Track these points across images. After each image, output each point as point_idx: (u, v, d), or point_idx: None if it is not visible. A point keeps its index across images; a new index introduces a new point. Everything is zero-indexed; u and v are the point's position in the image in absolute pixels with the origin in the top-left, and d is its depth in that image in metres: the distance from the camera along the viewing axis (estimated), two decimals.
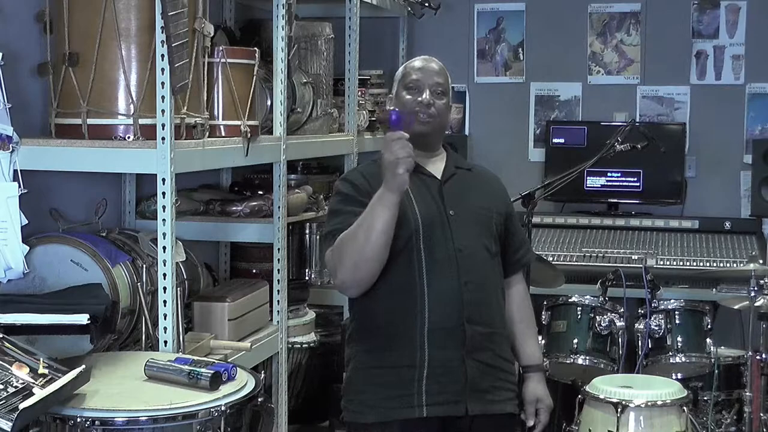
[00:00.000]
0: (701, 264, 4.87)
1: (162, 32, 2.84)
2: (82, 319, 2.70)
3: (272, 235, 3.79)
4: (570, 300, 4.36)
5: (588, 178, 5.30)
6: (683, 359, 4.24)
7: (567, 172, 4.39)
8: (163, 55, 2.86)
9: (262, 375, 2.76)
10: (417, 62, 3.06)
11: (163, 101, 2.87)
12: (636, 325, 4.33)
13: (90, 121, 2.96)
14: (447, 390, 2.85)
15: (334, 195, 2.98)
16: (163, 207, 2.89)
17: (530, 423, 3.05)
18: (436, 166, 3.00)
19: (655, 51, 5.48)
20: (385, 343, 2.86)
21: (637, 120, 5.29)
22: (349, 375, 2.96)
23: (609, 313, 4.29)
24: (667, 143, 5.00)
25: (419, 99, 2.93)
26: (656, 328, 4.27)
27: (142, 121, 2.94)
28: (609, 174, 5.33)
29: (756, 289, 3.98)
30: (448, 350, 2.85)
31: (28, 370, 2.35)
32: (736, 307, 4.12)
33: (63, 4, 2.98)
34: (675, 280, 4.88)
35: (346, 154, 4.66)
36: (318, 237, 4.77)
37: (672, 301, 4.37)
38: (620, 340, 4.26)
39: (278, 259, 3.79)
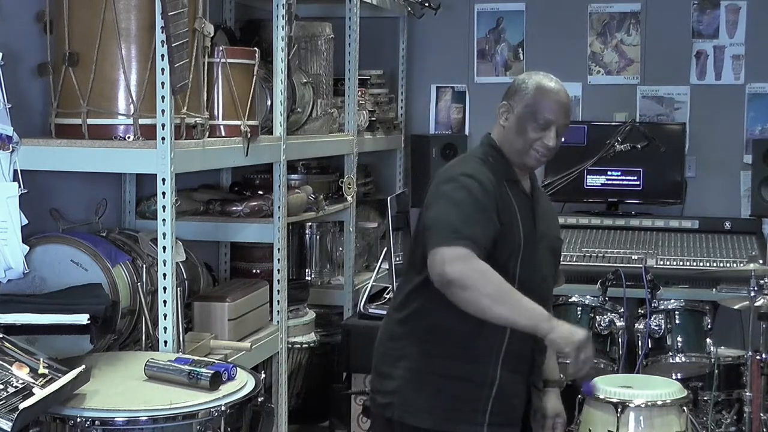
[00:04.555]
0: (701, 264, 4.87)
1: (162, 32, 2.84)
2: (82, 319, 2.70)
3: (272, 235, 3.78)
4: (570, 300, 4.36)
5: (588, 176, 5.29)
6: (683, 359, 4.25)
7: (567, 171, 4.39)
8: (163, 55, 2.86)
9: (262, 375, 2.76)
10: (550, 90, 2.84)
11: (163, 101, 2.87)
12: (636, 325, 4.33)
13: (90, 121, 2.96)
14: (510, 413, 2.83)
15: (461, 188, 2.74)
16: (163, 207, 2.89)
17: None
18: (527, 183, 2.95)
19: (655, 51, 5.48)
20: (460, 354, 2.79)
21: (637, 120, 5.29)
22: (405, 374, 2.82)
23: (609, 313, 4.29)
24: (667, 143, 5.00)
25: (546, 142, 2.81)
26: (656, 328, 4.27)
27: (142, 121, 2.94)
28: (609, 172, 5.32)
29: (756, 289, 3.98)
30: (517, 375, 2.83)
31: (28, 370, 2.35)
32: (736, 307, 4.12)
33: (63, 4, 2.98)
34: (675, 280, 4.88)
35: (346, 154, 4.66)
36: (318, 237, 4.78)
37: (672, 301, 4.37)
38: (620, 340, 4.26)
39: (278, 259, 3.79)
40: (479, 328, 2.75)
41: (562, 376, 3.14)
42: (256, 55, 3.48)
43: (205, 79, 3.22)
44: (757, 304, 3.97)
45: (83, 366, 2.46)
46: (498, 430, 2.81)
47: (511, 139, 2.87)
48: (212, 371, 2.58)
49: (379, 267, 4.44)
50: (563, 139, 2.90)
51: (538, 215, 2.91)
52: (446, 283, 2.62)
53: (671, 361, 4.25)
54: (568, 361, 2.59)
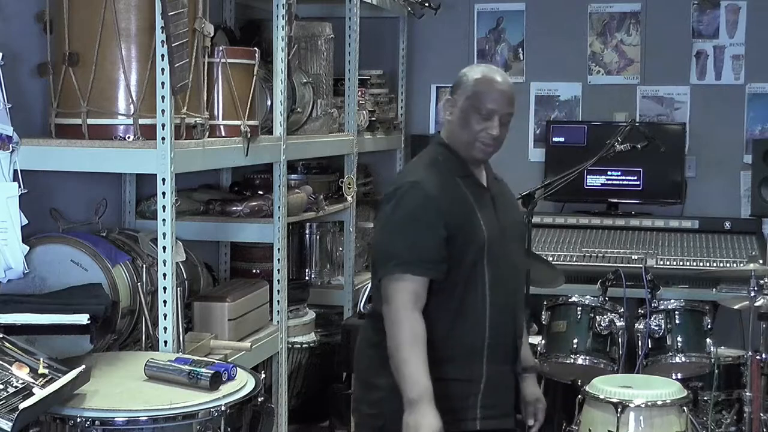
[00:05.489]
0: (701, 264, 4.87)
1: (162, 32, 2.84)
2: (82, 319, 2.70)
3: (272, 235, 3.78)
4: (570, 300, 4.35)
5: (588, 176, 5.29)
6: (683, 359, 4.24)
7: (567, 171, 4.39)
8: (163, 55, 2.86)
9: (262, 375, 2.75)
10: (490, 80, 2.86)
11: (163, 101, 2.87)
12: (636, 325, 4.32)
13: (90, 121, 2.96)
14: (500, 403, 2.84)
15: (400, 207, 2.77)
16: (163, 207, 2.89)
17: (531, 422, 3.06)
18: (482, 175, 2.95)
19: (655, 51, 5.48)
20: (443, 356, 2.78)
21: (637, 120, 5.29)
22: (391, 382, 2.77)
23: (609, 313, 4.29)
24: (667, 143, 4.99)
25: (490, 132, 2.82)
26: (656, 328, 4.26)
27: (142, 121, 2.94)
28: (609, 172, 5.33)
29: (756, 289, 3.97)
30: (503, 365, 2.85)
31: (28, 370, 2.35)
32: (736, 307, 4.12)
33: (63, 4, 2.98)
34: (675, 280, 4.88)
35: (346, 154, 4.66)
36: (318, 237, 4.78)
37: (672, 301, 4.37)
38: (620, 340, 4.26)
39: (278, 259, 3.79)
40: (458, 327, 2.77)
41: (536, 361, 3.13)
42: (256, 55, 3.48)
43: (205, 79, 3.22)
44: (757, 304, 3.96)
45: (83, 366, 2.46)
46: (492, 423, 2.83)
47: (457, 132, 2.88)
48: (212, 371, 2.58)
49: None
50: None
51: (498, 204, 2.92)
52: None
53: (671, 361, 4.24)
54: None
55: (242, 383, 2.62)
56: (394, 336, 2.69)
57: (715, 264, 4.87)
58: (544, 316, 4.34)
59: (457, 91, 2.88)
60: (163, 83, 2.87)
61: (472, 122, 2.83)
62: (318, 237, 4.78)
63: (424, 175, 2.83)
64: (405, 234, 2.74)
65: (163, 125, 2.86)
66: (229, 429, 2.47)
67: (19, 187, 2.75)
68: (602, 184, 5.35)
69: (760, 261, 4.33)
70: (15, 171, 2.78)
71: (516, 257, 2.93)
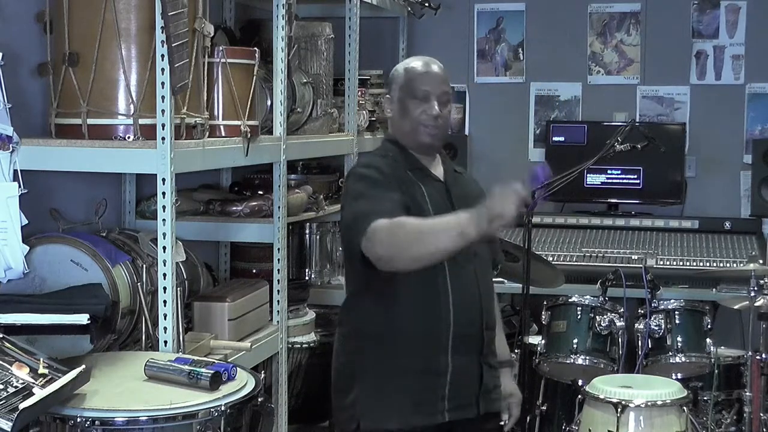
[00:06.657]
0: (701, 264, 4.87)
1: (162, 32, 2.84)
2: (82, 319, 2.70)
3: (272, 235, 3.78)
4: (570, 300, 4.36)
5: (588, 175, 5.30)
6: (683, 359, 4.25)
7: (567, 171, 4.39)
8: (163, 55, 2.86)
9: (262, 375, 2.76)
10: (419, 66, 2.97)
11: (163, 101, 2.87)
12: (636, 325, 4.33)
13: (90, 121, 2.95)
14: (465, 394, 2.86)
15: (358, 180, 2.85)
16: (163, 207, 2.89)
17: (506, 417, 3.08)
18: (438, 169, 3.00)
19: (655, 51, 5.48)
20: (409, 350, 2.82)
21: (637, 120, 5.29)
22: (361, 384, 2.89)
23: (609, 313, 4.29)
24: (667, 143, 5.00)
25: (429, 113, 2.89)
26: (656, 328, 4.27)
27: (142, 121, 2.93)
28: (609, 172, 5.33)
29: (756, 289, 3.98)
30: (469, 356, 2.87)
31: (28, 370, 2.35)
32: (736, 307, 4.13)
33: (63, 4, 2.98)
34: (675, 280, 4.88)
35: (346, 154, 4.66)
36: (318, 237, 4.78)
37: (672, 301, 4.37)
38: (620, 340, 4.26)
39: (278, 259, 3.79)
40: (420, 320, 2.80)
41: (512, 356, 3.15)
42: (256, 55, 3.48)
43: (205, 79, 3.22)
44: (757, 304, 3.97)
45: (83, 366, 2.46)
46: (457, 414, 2.86)
47: (400, 124, 2.95)
48: (212, 371, 2.58)
49: None
50: (457, 113, 2.98)
51: (455, 197, 2.93)
52: (386, 262, 2.64)
53: (671, 361, 4.25)
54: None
55: (242, 383, 2.62)
56: (397, 234, 2.61)
57: (715, 264, 4.87)
58: (544, 316, 4.35)
59: (391, 86, 2.98)
60: (163, 83, 2.87)
61: (411, 108, 2.90)
62: (318, 237, 4.77)
63: (374, 161, 2.93)
64: (369, 195, 2.77)
65: (163, 125, 2.86)
66: (229, 429, 2.47)
67: (19, 187, 2.75)
68: (602, 184, 5.35)
69: (760, 261, 4.34)
70: (15, 171, 2.78)
71: (477, 248, 2.91)
